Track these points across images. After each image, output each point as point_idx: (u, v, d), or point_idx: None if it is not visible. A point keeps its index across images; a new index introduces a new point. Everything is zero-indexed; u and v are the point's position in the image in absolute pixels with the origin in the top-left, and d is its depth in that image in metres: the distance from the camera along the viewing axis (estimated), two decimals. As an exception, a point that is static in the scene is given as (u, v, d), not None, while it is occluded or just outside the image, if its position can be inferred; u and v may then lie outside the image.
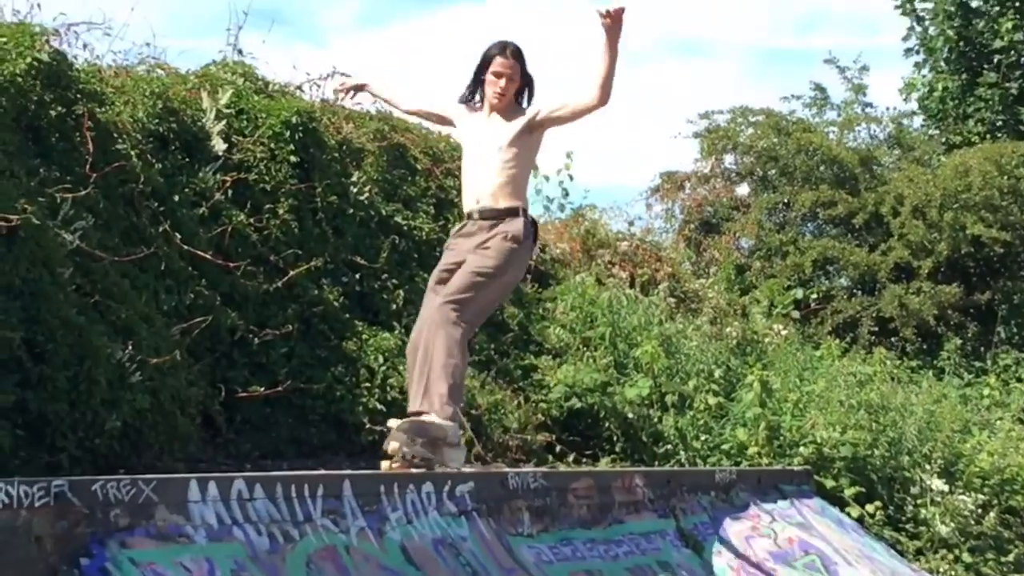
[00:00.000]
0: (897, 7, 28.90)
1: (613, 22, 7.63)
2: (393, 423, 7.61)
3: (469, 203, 8.10)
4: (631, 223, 19.11)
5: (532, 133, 8.12)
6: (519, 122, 8.09)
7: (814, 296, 21.14)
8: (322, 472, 7.21)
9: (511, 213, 7.96)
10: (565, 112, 8.06)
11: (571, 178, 15.35)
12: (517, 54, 8.14)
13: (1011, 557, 11.99)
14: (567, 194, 15.58)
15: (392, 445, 7.43)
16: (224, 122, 9.45)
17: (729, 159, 23.70)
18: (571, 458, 10.60)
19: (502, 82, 8.10)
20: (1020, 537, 12.42)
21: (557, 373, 11.36)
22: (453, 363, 7.54)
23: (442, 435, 7.44)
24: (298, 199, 9.71)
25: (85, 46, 9.18)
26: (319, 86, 11.65)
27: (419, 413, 7.49)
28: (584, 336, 12.28)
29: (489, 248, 7.84)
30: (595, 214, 16.72)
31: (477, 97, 8.36)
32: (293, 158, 9.79)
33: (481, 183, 8.04)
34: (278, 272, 9.24)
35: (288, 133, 9.86)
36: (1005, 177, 21.45)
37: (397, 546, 6.27)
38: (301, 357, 9.09)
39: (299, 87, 11.51)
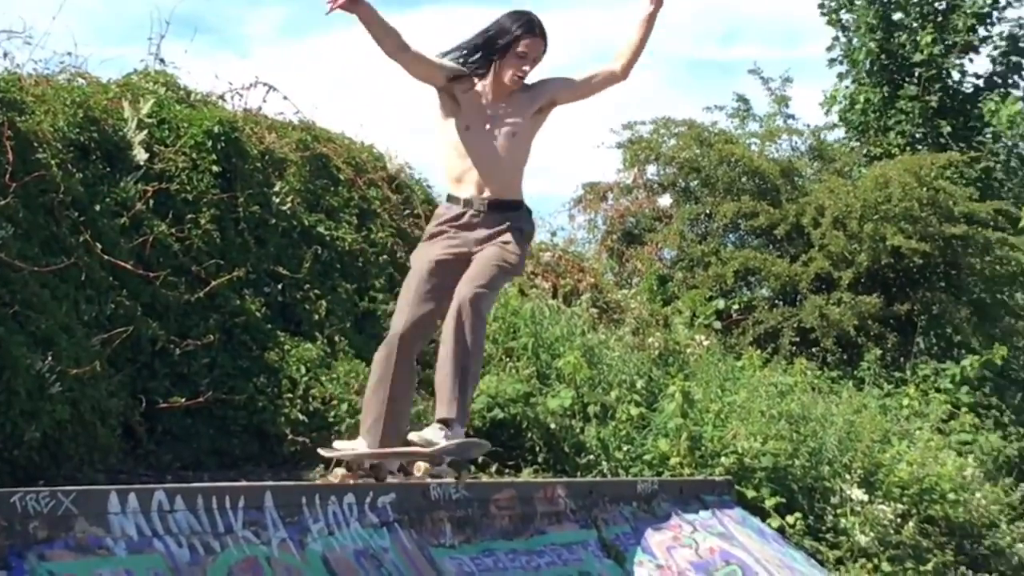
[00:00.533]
0: (823, 14, 29.19)
1: None
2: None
3: (468, 190, 7.53)
4: (554, 233, 19.29)
5: (541, 114, 7.73)
6: (532, 106, 7.65)
7: (736, 307, 21.21)
8: (243, 483, 7.17)
9: (521, 207, 7.65)
10: (586, 88, 7.77)
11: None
12: (544, 33, 7.56)
13: (930, 566, 12.08)
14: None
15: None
16: (146, 132, 9.39)
17: (651, 170, 23.80)
18: (493, 469, 10.58)
19: (526, 66, 7.52)
20: (939, 546, 12.52)
21: (480, 383, 11.34)
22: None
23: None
24: (220, 209, 9.66)
25: (5, 55, 9.14)
26: (241, 95, 11.66)
27: (446, 421, 7.17)
28: (507, 347, 12.28)
29: (510, 244, 7.42)
30: (518, 224, 16.74)
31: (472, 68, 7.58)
32: (215, 168, 9.73)
33: (489, 171, 7.50)
34: (200, 282, 9.17)
35: (210, 143, 9.80)
36: (924, 189, 21.62)
37: (319, 557, 6.24)
38: (223, 368, 9.03)
39: (221, 96, 11.50)
